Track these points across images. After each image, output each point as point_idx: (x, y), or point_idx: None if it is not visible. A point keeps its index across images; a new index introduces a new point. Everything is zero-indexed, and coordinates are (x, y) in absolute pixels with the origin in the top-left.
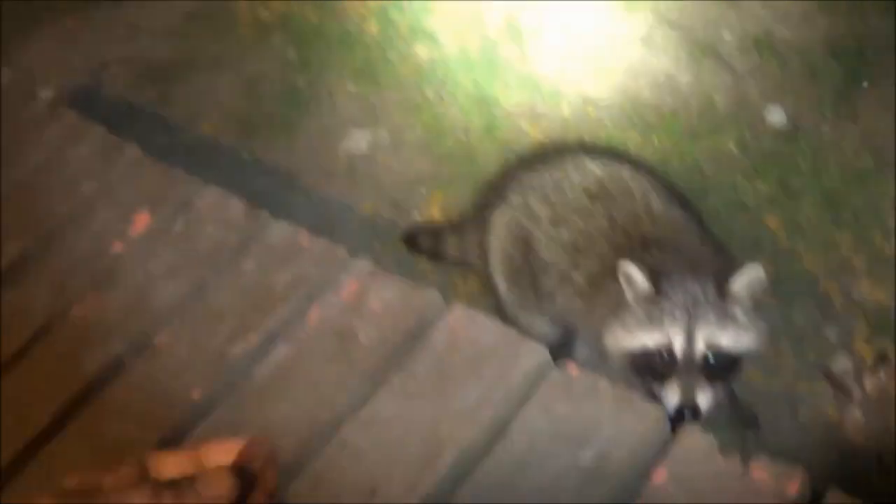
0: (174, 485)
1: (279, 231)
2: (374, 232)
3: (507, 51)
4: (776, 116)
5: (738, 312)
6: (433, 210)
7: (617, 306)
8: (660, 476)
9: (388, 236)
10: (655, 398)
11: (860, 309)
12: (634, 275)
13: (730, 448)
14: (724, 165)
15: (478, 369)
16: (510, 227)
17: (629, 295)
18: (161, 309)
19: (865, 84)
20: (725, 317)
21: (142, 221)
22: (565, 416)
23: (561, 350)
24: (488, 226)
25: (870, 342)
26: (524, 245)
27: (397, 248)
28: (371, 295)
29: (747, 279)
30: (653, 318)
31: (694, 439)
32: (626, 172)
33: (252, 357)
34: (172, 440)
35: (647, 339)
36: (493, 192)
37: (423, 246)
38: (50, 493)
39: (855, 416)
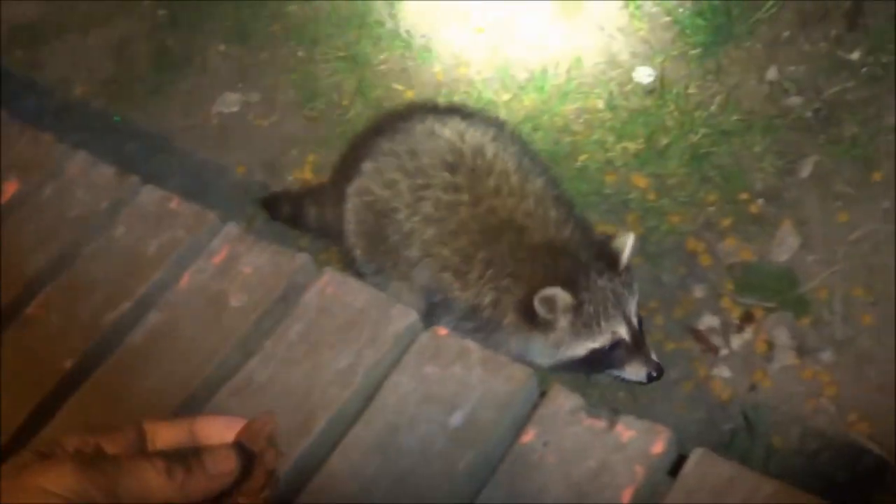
0: (182, 458)
1: (149, 196)
2: (247, 195)
3: (379, 9)
4: (644, 75)
5: (627, 274)
6: (306, 172)
7: (533, 323)
8: (528, 436)
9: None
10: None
11: (726, 267)
12: (560, 298)
13: (596, 407)
14: (593, 124)
15: (349, 333)
16: (364, 196)
17: (543, 312)
18: (32, 278)
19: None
20: (629, 285)
21: (10, 189)
22: (434, 379)
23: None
24: (345, 198)
25: (735, 300)
26: (380, 215)
27: None
28: (242, 260)
29: (628, 249)
30: (591, 327)
31: (561, 399)
32: (479, 136)
33: (124, 324)
34: (45, 411)
35: (592, 343)
36: (348, 161)
37: (283, 213)
38: (67, 458)
39: (722, 373)
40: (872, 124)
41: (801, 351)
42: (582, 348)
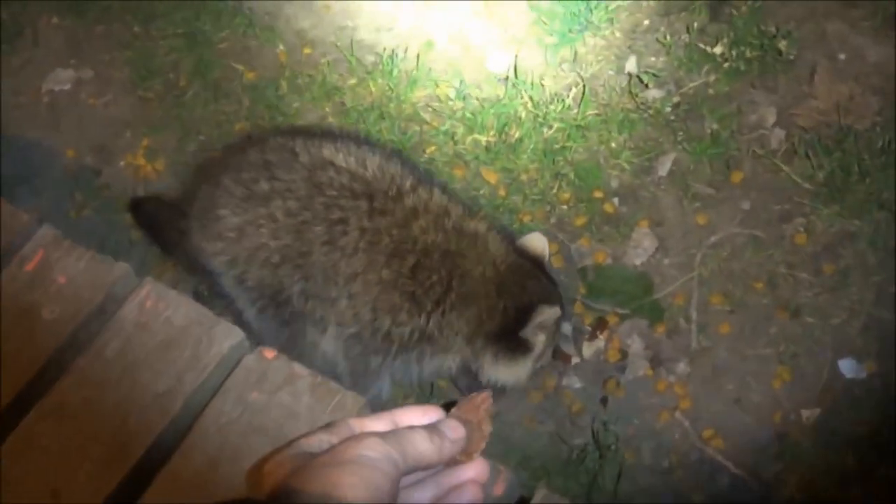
0: (432, 428)
1: None
2: (77, 180)
3: None
4: (498, 63)
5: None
6: (139, 158)
7: (511, 349)
8: None
9: (90, 185)
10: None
11: (579, 270)
12: (553, 315)
13: None
14: (443, 114)
15: (169, 353)
16: (258, 254)
17: (532, 335)
18: None
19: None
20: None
21: None
22: (260, 407)
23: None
24: (219, 252)
25: (588, 305)
26: (278, 266)
27: (99, 199)
28: (56, 267)
29: (546, 249)
30: (557, 332)
31: None
32: (376, 159)
33: None
34: None
35: (552, 346)
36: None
37: (145, 223)
38: (372, 434)
39: (573, 384)
40: (734, 121)
41: (656, 361)
42: (548, 354)
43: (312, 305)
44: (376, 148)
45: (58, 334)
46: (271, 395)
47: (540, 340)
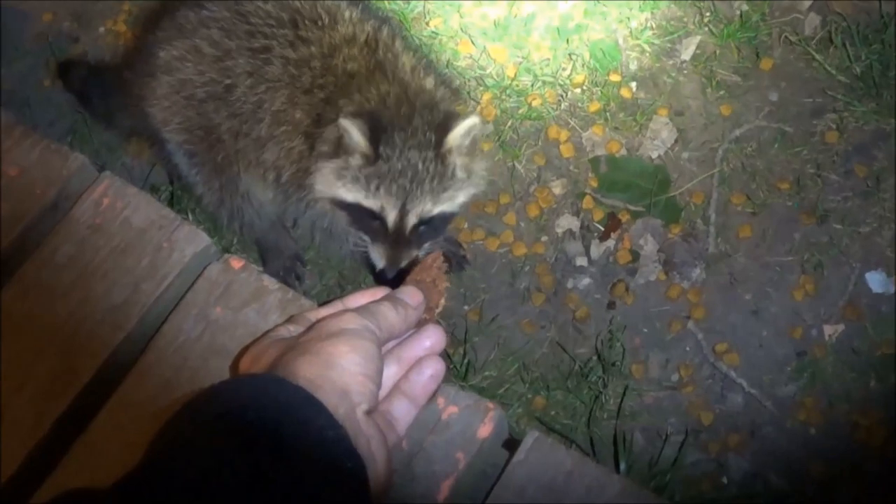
0: (393, 299)
1: None
2: (51, 48)
3: None
4: None
5: (457, 169)
6: (120, 24)
7: (336, 148)
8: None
9: (66, 53)
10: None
11: (591, 160)
12: (353, 134)
13: None
14: None
15: (125, 259)
16: (181, 92)
17: (347, 139)
18: None
19: None
20: (442, 184)
21: None
22: (224, 324)
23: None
24: (150, 93)
25: (599, 200)
26: (205, 102)
27: None
28: (8, 157)
29: (464, 132)
30: (370, 183)
31: None
32: None
33: None
34: None
35: (360, 198)
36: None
37: (75, 86)
38: (349, 311)
39: (579, 285)
40: (766, 3)
41: (669, 265)
42: (351, 195)
43: (245, 145)
44: None
45: (5, 235)
46: (237, 311)
47: (351, 162)
